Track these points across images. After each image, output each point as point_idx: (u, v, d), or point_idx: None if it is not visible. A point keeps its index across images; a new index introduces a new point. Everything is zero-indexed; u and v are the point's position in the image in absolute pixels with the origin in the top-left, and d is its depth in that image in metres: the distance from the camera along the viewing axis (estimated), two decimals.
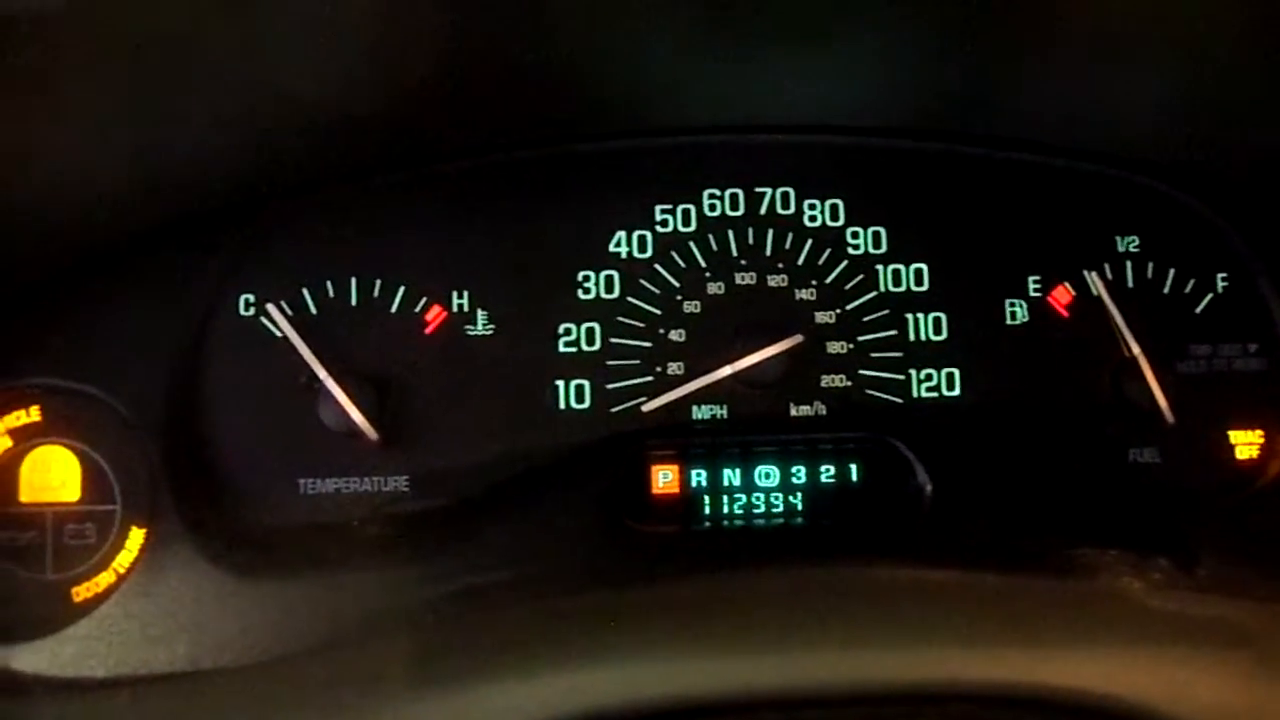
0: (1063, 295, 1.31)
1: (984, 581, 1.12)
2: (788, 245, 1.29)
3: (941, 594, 1.11)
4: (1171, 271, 1.32)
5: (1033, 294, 1.30)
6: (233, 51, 0.97)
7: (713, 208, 1.30)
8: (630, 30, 1.07)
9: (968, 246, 1.31)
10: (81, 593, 1.21)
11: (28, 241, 1.16)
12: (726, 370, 1.25)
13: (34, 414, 1.24)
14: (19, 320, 1.22)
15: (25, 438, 1.23)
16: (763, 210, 1.30)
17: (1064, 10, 1.02)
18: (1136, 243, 1.32)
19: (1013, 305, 1.30)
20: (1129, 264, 1.31)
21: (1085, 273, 1.30)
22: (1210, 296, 1.32)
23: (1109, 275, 1.31)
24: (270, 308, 1.24)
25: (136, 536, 1.22)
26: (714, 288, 1.28)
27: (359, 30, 0.98)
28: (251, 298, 1.25)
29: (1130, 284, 1.31)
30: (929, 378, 1.28)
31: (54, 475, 1.24)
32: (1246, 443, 1.31)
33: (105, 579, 1.21)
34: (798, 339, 1.24)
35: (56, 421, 1.24)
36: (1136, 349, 1.27)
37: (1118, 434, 1.30)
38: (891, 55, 1.16)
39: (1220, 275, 1.32)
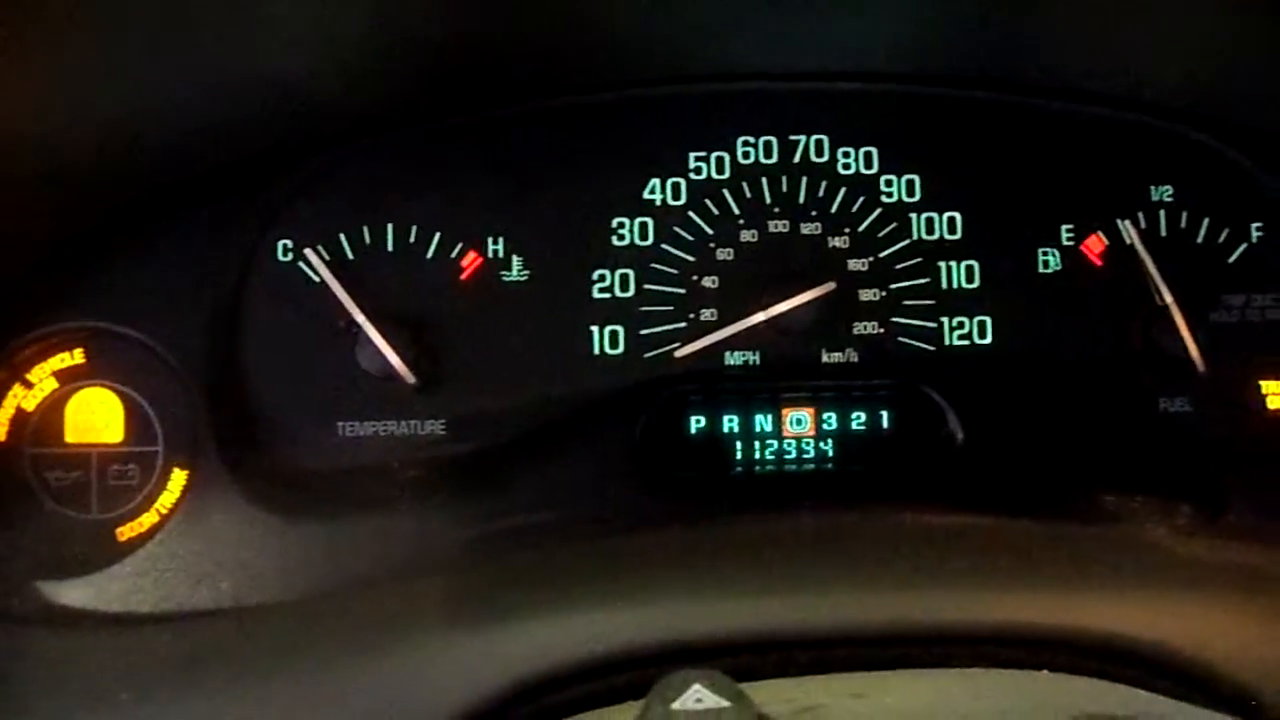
0: (1096, 244, 1.31)
1: (1012, 527, 1.14)
2: (821, 193, 1.30)
3: (971, 538, 1.12)
4: (1206, 221, 1.32)
5: (1066, 242, 1.31)
6: (279, 6, 0.98)
7: (746, 155, 1.30)
8: None
9: (1001, 195, 1.31)
10: (126, 532, 1.24)
11: (75, 187, 1.18)
12: (759, 316, 1.26)
13: (78, 356, 1.26)
14: (65, 264, 1.24)
15: (70, 379, 1.26)
16: (796, 158, 1.30)
17: None
18: (1170, 192, 1.32)
19: (1045, 254, 1.30)
20: (1163, 213, 1.31)
21: (1119, 221, 1.30)
22: (1244, 246, 1.32)
23: (1142, 224, 1.31)
24: (308, 253, 1.26)
25: (179, 477, 1.24)
26: (747, 235, 1.29)
27: None
28: (290, 243, 1.27)
29: (1164, 233, 1.31)
30: (961, 325, 1.29)
31: (98, 416, 1.26)
32: (1278, 392, 1.30)
33: (149, 519, 1.24)
34: (830, 286, 1.25)
35: (100, 364, 1.26)
36: (1169, 298, 1.27)
37: (1149, 383, 1.30)
38: (925, 1, 1.15)
39: (1255, 225, 1.32)
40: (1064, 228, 1.31)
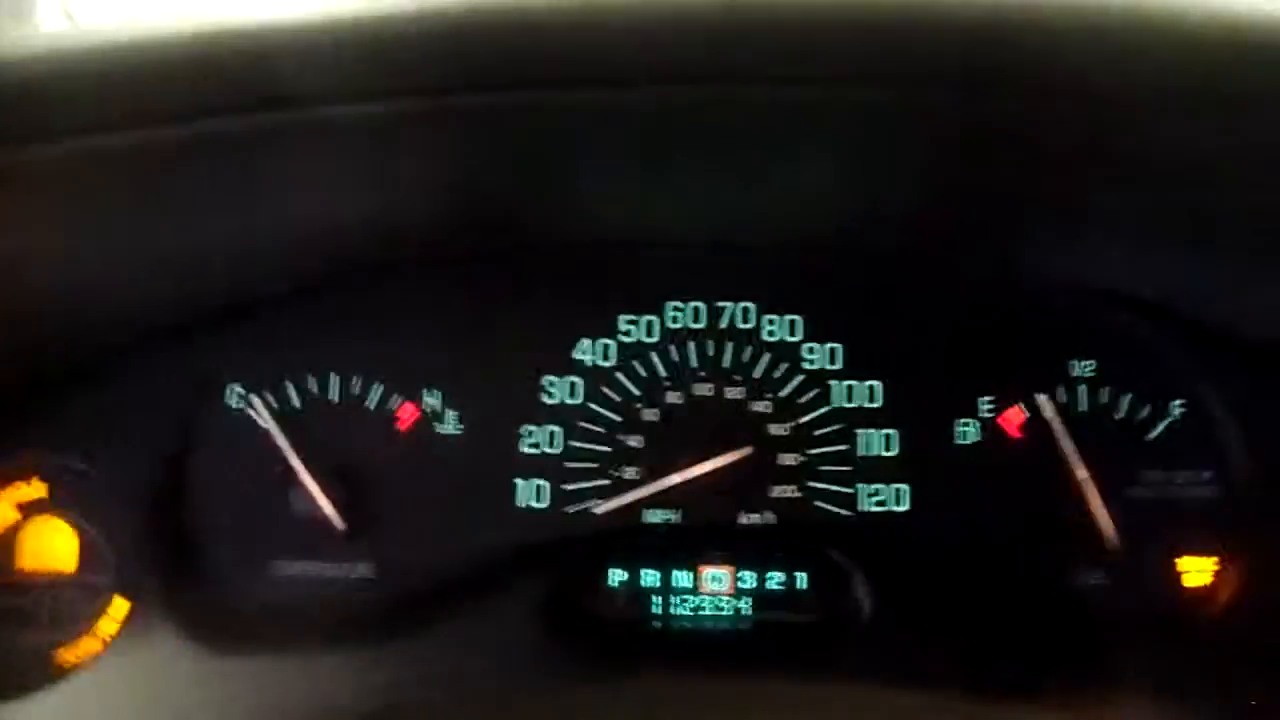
0: (1015, 416, 1.34)
1: (912, 702, 1.16)
2: (745, 358, 1.35)
3: (871, 711, 1.16)
4: (1126, 397, 1.34)
5: (984, 414, 1.34)
6: (234, 183, 1.08)
7: (675, 319, 1.36)
8: (593, 157, 1.14)
9: (922, 365, 1.35)
10: (68, 658, 1.30)
11: (49, 333, 1.28)
12: (679, 477, 1.30)
13: (39, 488, 1.34)
14: (33, 401, 1.33)
15: (29, 510, 1.34)
16: (723, 324, 1.36)
17: (1018, 147, 1.06)
18: (1092, 367, 1.35)
19: (964, 425, 1.34)
20: (1083, 388, 1.34)
21: (1038, 395, 1.33)
22: (1164, 423, 1.34)
23: (1062, 398, 1.33)
24: (255, 399, 1.33)
25: (121, 607, 1.31)
26: (673, 397, 1.34)
27: (350, 165, 1.07)
28: (240, 389, 1.34)
29: (1084, 408, 1.34)
30: (877, 493, 1.33)
31: (53, 546, 1.34)
32: (1197, 570, 1.32)
33: (90, 645, 1.31)
34: (747, 450, 1.29)
35: (59, 496, 1.34)
36: (1085, 473, 1.29)
37: (1064, 557, 1.32)
38: (850, 180, 1.21)
39: (1176, 403, 1.34)
40: (983, 400, 1.34)
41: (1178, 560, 1.32)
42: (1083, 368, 1.35)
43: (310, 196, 1.15)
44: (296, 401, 1.34)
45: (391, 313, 1.36)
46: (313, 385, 1.35)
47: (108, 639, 1.30)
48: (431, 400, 1.34)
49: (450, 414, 1.34)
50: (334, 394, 1.35)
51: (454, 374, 1.35)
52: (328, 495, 1.29)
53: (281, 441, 1.31)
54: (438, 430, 1.34)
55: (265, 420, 1.32)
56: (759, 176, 1.20)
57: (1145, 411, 1.34)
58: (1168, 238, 1.22)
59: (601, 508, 1.32)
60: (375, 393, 1.35)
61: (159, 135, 0.93)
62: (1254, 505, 1.32)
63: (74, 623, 1.32)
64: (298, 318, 1.36)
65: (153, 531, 1.32)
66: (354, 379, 1.35)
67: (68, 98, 0.91)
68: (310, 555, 1.32)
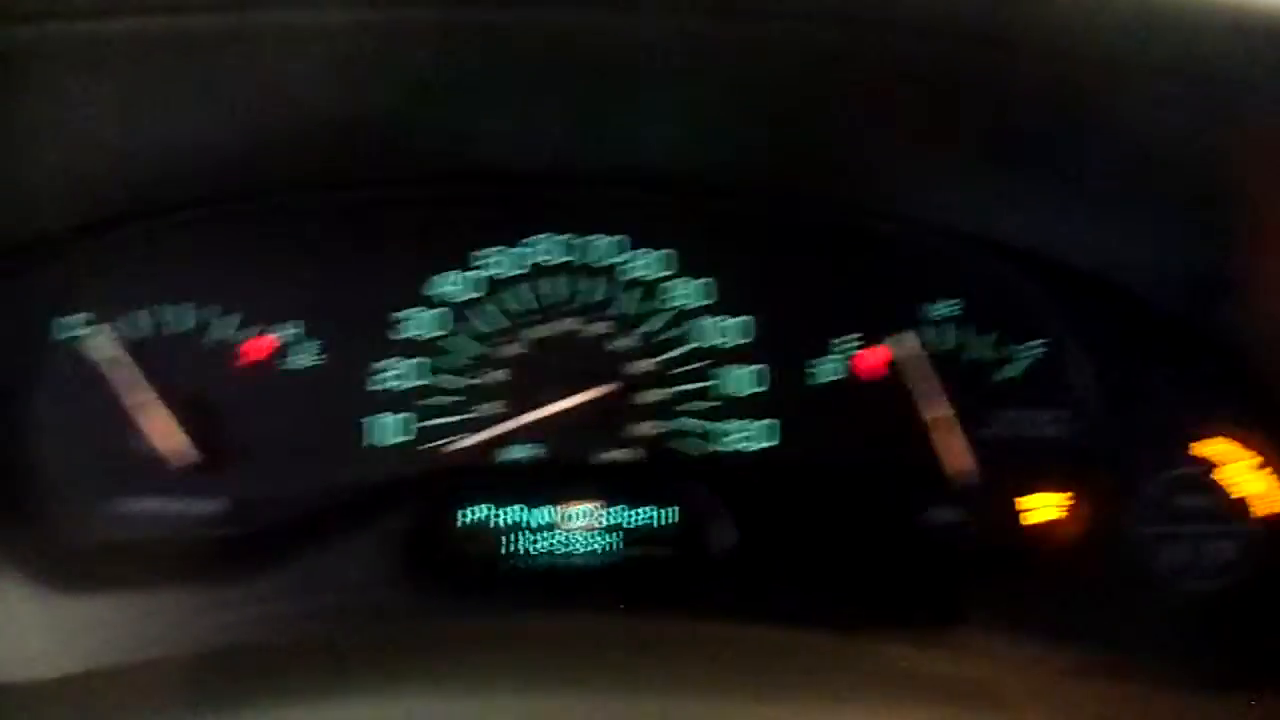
0: (877, 355, 1.34)
1: (766, 635, 1.17)
2: (612, 294, 1.33)
3: (727, 645, 1.16)
4: (986, 337, 1.35)
5: (848, 352, 1.34)
6: (84, 90, 1.02)
7: (540, 253, 1.33)
8: (459, 81, 1.09)
9: (788, 303, 1.35)
10: None
11: None
12: (541, 413, 1.28)
13: None
14: None
15: None
16: (590, 259, 1.33)
17: (895, 93, 1.06)
18: (955, 306, 1.35)
19: (827, 362, 1.34)
20: (944, 327, 1.35)
21: (899, 334, 1.33)
22: (1023, 363, 1.36)
23: (924, 337, 1.34)
24: (98, 329, 1.27)
25: None
26: (536, 332, 1.32)
27: (214, 76, 1.02)
28: (81, 319, 1.28)
29: (946, 346, 1.35)
30: (740, 430, 1.32)
31: None
32: (1049, 505, 1.35)
33: None
34: (610, 387, 1.28)
35: None
36: (942, 411, 1.31)
37: (922, 493, 1.33)
38: (719, 117, 1.19)
39: (1034, 343, 1.36)
40: (847, 338, 1.34)
41: (1030, 496, 1.34)
42: (948, 307, 1.36)
43: (174, 109, 1.08)
44: (145, 331, 1.29)
45: (249, 242, 1.31)
46: (164, 315, 1.29)
47: None
48: (286, 333, 1.29)
49: (307, 346, 1.30)
50: (186, 325, 1.29)
51: (310, 306, 1.31)
52: (176, 427, 1.24)
53: (129, 373, 1.25)
54: (292, 364, 1.30)
55: (109, 351, 1.26)
56: (632, 108, 1.17)
57: (1004, 351, 1.36)
58: (1033, 182, 1.22)
59: (461, 444, 1.29)
60: (229, 324, 1.30)
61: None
62: (1104, 444, 1.34)
63: None
64: (149, 243, 1.30)
65: None
66: (206, 309, 1.30)
67: None
68: (157, 492, 1.28)
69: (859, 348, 1.35)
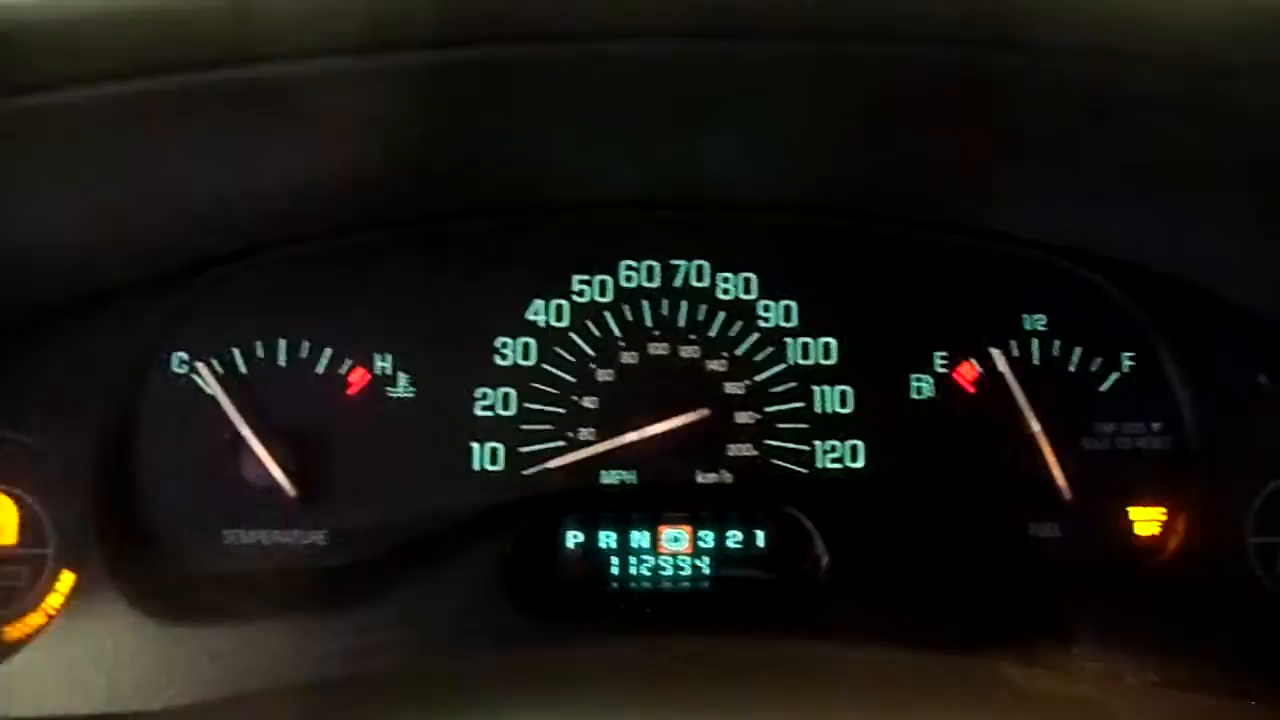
0: (968, 371, 1.34)
1: (871, 657, 1.17)
2: (700, 317, 1.34)
3: (831, 667, 1.16)
4: (1078, 350, 1.35)
5: (939, 369, 1.34)
6: (185, 141, 1.05)
7: (629, 279, 1.34)
8: (547, 113, 1.12)
9: (876, 321, 1.35)
10: (12, 632, 1.27)
11: None
12: (635, 436, 1.29)
13: None
14: None
15: None
16: (677, 282, 1.35)
17: (974, 105, 1.06)
18: (1044, 321, 1.35)
19: (918, 380, 1.34)
20: (1035, 341, 1.35)
21: (991, 349, 1.33)
22: (1115, 375, 1.35)
23: (1015, 352, 1.34)
24: (200, 366, 1.30)
25: (67, 579, 1.28)
26: (628, 357, 1.33)
27: (307, 120, 1.04)
28: (185, 356, 1.32)
29: (1036, 361, 1.34)
30: (833, 449, 1.33)
31: None
32: (1147, 519, 1.33)
33: (35, 619, 1.28)
34: (704, 413, 1.28)
35: None
36: (1037, 426, 1.30)
37: (1018, 509, 1.33)
38: (802, 137, 1.20)
39: (1126, 354, 1.35)
40: (937, 355, 1.34)
41: (1128, 510, 1.33)
42: (1034, 321, 1.35)
43: (264, 156, 1.12)
44: (244, 367, 1.31)
45: (342, 276, 1.34)
46: (260, 350, 1.32)
47: (53, 612, 1.27)
48: (383, 363, 1.32)
49: (402, 377, 1.32)
50: (282, 359, 1.32)
51: (405, 337, 1.33)
52: (278, 462, 1.27)
53: (229, 408, 1.28)
54: (390, 394, 1.32)
55: (212, 387, 1.29)
56: (715, 134, 1.19)
57: (1096, 364, 1.35)
58: (1114, 188, 1.22)
59: (558, 469, 1.30)
60: (325, 357, 1.32)
61: (108, 91, 0.89)
62: (1201, 455, 1.33)
63: (17, 596, 1.28)
64: (245, 282, 1.33)
65: (96, 502, 1.28)
66: (303, 343, 1.32)
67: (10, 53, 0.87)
68: (261, 523, 1.30)
69: (949, 365, 1.34)
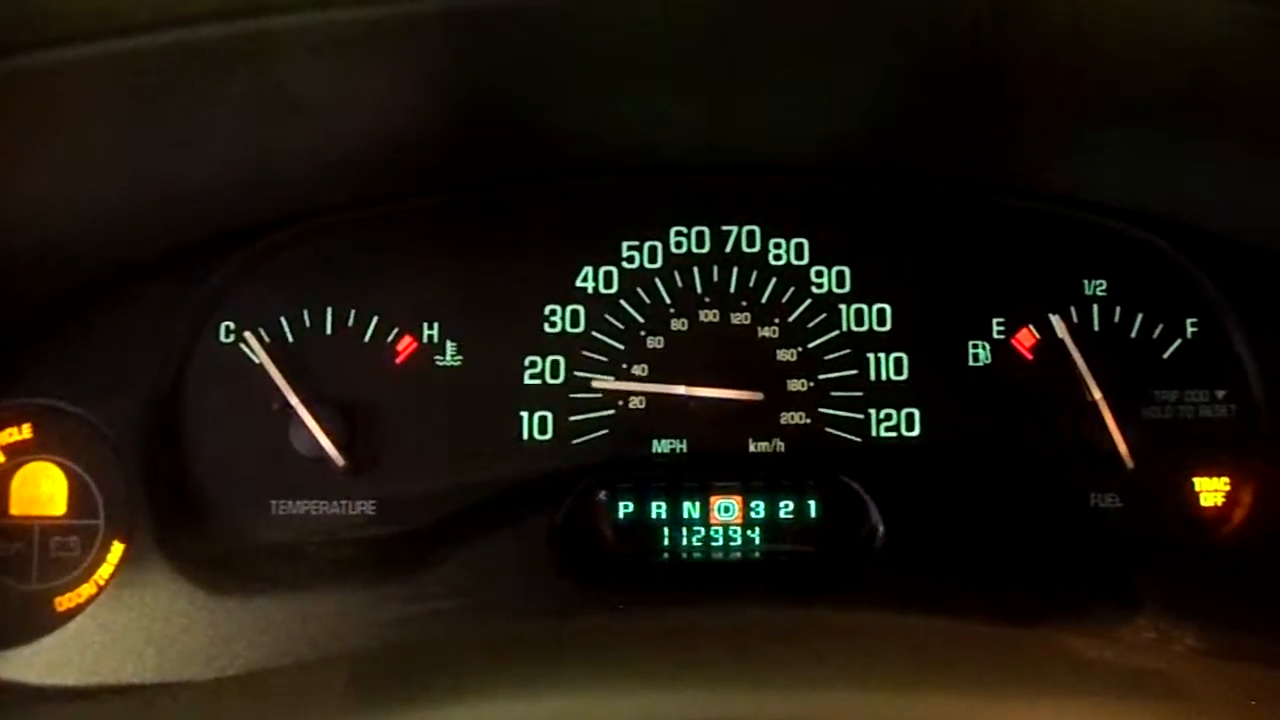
0: (1026, 338, 1.31)
1: (929, 626, 1.14)
2: (751, 283, 1.32)
3: (887, 638, 1.13)
4: (1140, 316, 1.32)
5: (996, 336, 1.31)
6: (237, 107, 1.04)
7: (679, 245, 1.32)
8: (599, 76, 1.10)
9: (932, 287, 1.32)
10: (64, 602, 1.27)
11: (27, 268, 1.23)
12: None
13: (26, 431, 1.30)
14: (15, 342, 1.28)
15: (17, 454, 1.30)
16: (728, 248, 1.32)
17: (1032, 63, 1.03)
18: (1104, 286, 1.32)
19: (975, 347, 1.31)
20: (1095, 307, 1.32)
21: (1050, 315, 1.30)
22: (1179, 342, 1.32)
23: (1074, 318, 1.31)
24: (248, 335, 1.29)
25: (117, 550, 1.27)
26: (678, 324, 1.31)
27: (352, 80, 1.03)
28: (232, 325, 1.31)
29: (1096, 328, 1.31)
30: (889, 417, 1.30)
31: (43, 490, 1.30)
32: (1211, 490, 1.30)
33: (87, 590, 1.27)
34: (758, 396, 1.26)
35: (47, 439, 1.30)
36: (1098, 393, 1.27)
37: (1078, 478, 1.30)
38: (857, 97, 1.17)
39: (1190, 321, 1.32)
40: (995, 321, 1.31)
41: (1192, 480, 1.30)
42: (1094, 286, 1.32)
43: (311, 117, 1.10)
44: (291, 336, 1.30)
45: (389, 244, 1.32)
46: (307, 319, 1.30)
47: (103, 582, 1.27)
48: (431, 332, 1.30)
49: (450, 345, 1.30)
50: (329, 328, 1.30)
51: (454, 305, 1.31)
52: (326, 432, 1.25)
53: (277, 377, 1.27)
54: (438, 363, 1.30)
55: (260, 356, 1.28)
56: (763, 94, 1.16)
57: (1158, 331, 1.31)
58: (1168, 142, 1.18)
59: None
60: (372, 325, 1.31)
61: (148, 44, 0.88)
62: (1268, 425, 1.30)
63: (68, 567, 1.28)
64: (292, 250, 1.31)
65: (145, 473, 1.28)
66: (350, 312, 1.31)
67: (53, 5, 0.86)
68: (309, 494, 1.29)
69: (1007, 331, 1.31)
